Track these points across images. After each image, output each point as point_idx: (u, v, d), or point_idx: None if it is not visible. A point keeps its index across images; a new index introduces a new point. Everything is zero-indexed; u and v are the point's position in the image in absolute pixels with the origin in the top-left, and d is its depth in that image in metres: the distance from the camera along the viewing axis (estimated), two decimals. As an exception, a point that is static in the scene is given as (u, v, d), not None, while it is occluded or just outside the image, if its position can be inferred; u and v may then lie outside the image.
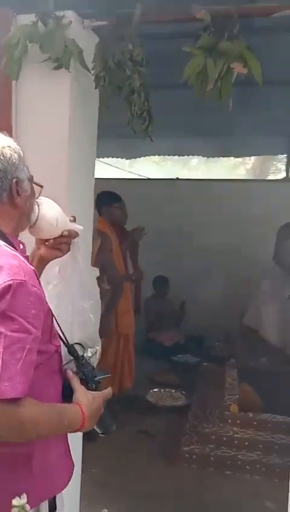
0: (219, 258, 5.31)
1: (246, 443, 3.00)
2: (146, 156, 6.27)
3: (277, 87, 4.13)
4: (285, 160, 8.66)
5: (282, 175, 10.33)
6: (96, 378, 1.30)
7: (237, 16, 1.47)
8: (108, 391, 1.28)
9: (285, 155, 6.26)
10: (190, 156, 7.19)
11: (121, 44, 1.50)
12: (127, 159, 6.63)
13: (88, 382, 1.26)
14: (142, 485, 2.74)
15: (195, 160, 9.80)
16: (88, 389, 1.23)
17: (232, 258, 5.27)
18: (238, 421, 3.12)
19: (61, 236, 1.35)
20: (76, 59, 1.52)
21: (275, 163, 9.50)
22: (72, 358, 1.30)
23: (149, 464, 2.96)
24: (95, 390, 1.25)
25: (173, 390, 3.94)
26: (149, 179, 6.30)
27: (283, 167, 10.15)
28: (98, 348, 1.43)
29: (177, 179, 5.81)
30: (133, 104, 1.51)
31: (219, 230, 5.31)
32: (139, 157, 6.12)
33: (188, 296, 5.37)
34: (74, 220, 1.40)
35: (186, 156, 6.92)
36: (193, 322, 5.29)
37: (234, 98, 4.47)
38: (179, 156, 6.32)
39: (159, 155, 6.29)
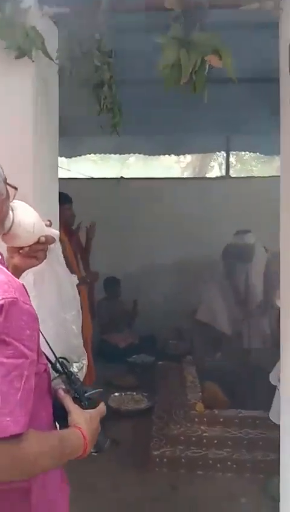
0: (167, 256, 5.31)
1: (215, 441, 2.99)
2: (86, 154, 6.12)
3: (216, 85, 4.22)
4: (224, 157, 8.89)
5: (217, 173, 10.62)
6: (86, 394, 1.19)
7: (207, 6, 1.42)
8: (103, 407, 1.17)
9: (223, 152, 6.39)
10: (129, 155, 7.15)
11: (88, 33, 1.38)
12: (66, 157, 6.44)
13: (81, 400, 1.14)
14: (114, 494, 2.64)
15: (133, 158, 9.76)
16: (82, 408, 1.12)
17: (180, 255, 5.29)
18: (205, 419, 3.11)
19: (38, 243, 1.21)
20: (39, 48, 1.39)
21: (212, 161, 9.72)
22: (57, 375, 1.18)
23: (120, 472, 2.85)
24: (89, 408, 1.14)
25: (134, 393, 3.86)
26: (93, 178, 6.15)
27: (216, 164, 10.44)
28: (84, 361, 1.32)
29: (122, 178, 5.71)
30: (103, 97, 1.40)
31: (166, 228, 5.31)
32: (80, 156, 5.94)
33: (138, 296, 5.31)
34: (50, 225, 1.27)
35: (125, 155, 6.86)
36: (145, 322, 5.24)
37: (172, 96, 4.49)
38: (119, 154, 6.22)
39: (99, 153, 6.14)
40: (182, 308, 5.12)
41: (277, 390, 2.08)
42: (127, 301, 5.36)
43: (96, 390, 1.21)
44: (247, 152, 7.10)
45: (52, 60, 1.46)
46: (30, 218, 1.17)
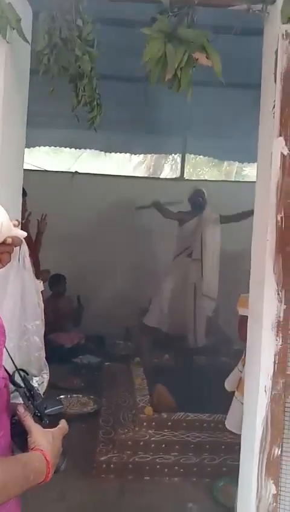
0: (119, 254, 5.25)
1: (163, 445, 2.96)
2: (40, 146, 5.91)
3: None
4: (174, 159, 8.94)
5: (169, 174, 10.69)
6: (47, 411, 1.09)
7: (196, 2, 1.36)
8: (65, 426, 1.08)
9: (179, 154, 6.42)
10: (82, 150, 7.01)
11: (68, 18, 1.28)
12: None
13: (42, 418, 1.05)
14: (60, 503, 2.53)
15: (85, 154, 9.59)
16: (43, 426, 1.02)
17: (132, 254, 5.25)
18: (153, 423, 3.06)
19: (3, 244, 1.07)
20: (13, 27, 1.27)
21: (167, 162, 9.76)
22: (15, 389, 1.08)
23: (65, 479, 2.73)
24: (50, 426, 1.05)
25: (80, 395, 3.74)
26: (46, 170, 5.95)
27: (172, 166, 10.51)
28: (46, 376, 1.22)
29: (76, 172, 5.57)
30: (82, 89, 1.31)
31: (119, 226, 5.24)
32: (34, 147, 5.73)
33: (87, 294, 5.20)
34: (18, 225, 1.15)
35: (79, 149, 6.71)
36: (93, 321, 5.14)
37: (133, 94, 4.41)
38: (75, 148, 6.07)
39: (53, 146, 5.95)
40: (131, 308, 5.09)
41: (234, 398, 2.07)
42: (73, 299, 5.23)
43: (58, 407, 1.12)
44: (200, 155, 7.17)
45: (28, 42, 1.34)
46: None
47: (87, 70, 1.30)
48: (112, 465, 2.84)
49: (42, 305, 1.25)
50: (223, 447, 2.98)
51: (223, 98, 4.27)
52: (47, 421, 1.05)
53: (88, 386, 4.04)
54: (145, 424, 3.06)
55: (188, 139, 5.56)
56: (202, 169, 11.04)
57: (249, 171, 10.98)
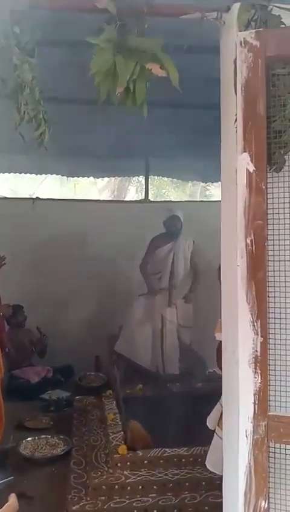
0: (85, 281, 5.07)
1: (140, 487, 2.74)
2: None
3: (135, 108, 4.16)
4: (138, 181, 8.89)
5: (134, 197, 10.64)
6: None
7: (145, 12, 1.25)
8: (14, 503, 0.91)
9: (142, 176, 6.36)
10: (44, 175, 6.86)
11: (4, 25, 1.14)
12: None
13: None
14: None
15: (49, 178, 9.44)
16: None
17: (96, 280, 5.08)
18: (128, 463, 2.85)
19: None
20: None
21: (132, 184, 9.70)
22: None
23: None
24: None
25: (49, 436, 3.47)
26: (6, 197, 5.74)
27: (137, 188, 10.47)
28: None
29: (37, 198, 5.39)
30: (23, 103, 1.16)
31: (84, 251, 5.08)
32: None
33: (51, 325, 4.96)
34: None
35: (41, 175, 6.56)
36: (60, 352, 4.89)
37: (89, 117, 4.32)
38: (36, 174, 5.91)
39: (13, 172, 5.76)
40: (100, 335, 4.88)
41: (215, 436, 1.90)
42: (35, 331, 4.98)
43: (7, 480, 0.94)
44: (163, 177, 7.14)
45: None
46: None
47: (28, 79, 1.15)
48: (85, 515, 2.60)
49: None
50: (203, 483, 2.79)
51: (183, 118, 4.26)
52: None
53: (58, 424, 3.79)
54: (119, 464, 2.84)
55: (150, 161, 5.51)
56: (167, 190, 11.06)
57: (213, 191, 11.08)
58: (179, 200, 8.78)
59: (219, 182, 5.34)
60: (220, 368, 1.91)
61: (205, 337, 4.72)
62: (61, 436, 3.45)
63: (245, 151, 1.24)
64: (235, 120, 1.27)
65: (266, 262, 1.24)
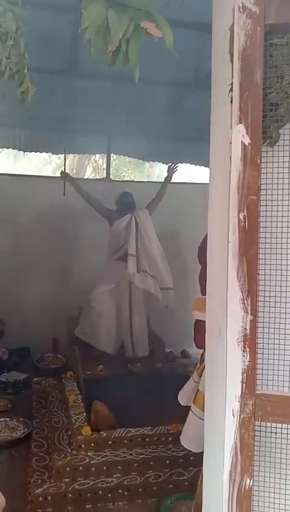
0: (41, 260, 4.92)
1: (105, 467, 2.72)
2: None
3: (102, 82, 4.00)
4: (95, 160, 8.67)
5: (90, 175, 10.41)
6: None
7: None
8: (2, 500, 0.83)
9: (99, 155, 6.21)
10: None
11: None
12: None
13: None
14: None
15: (2, 154, 9.04)
16: None
17: (53, 260, 4.94)
18: (92, 444, 2.81)
19: None
20: None
21: (89, 163, 9.46)
22: None
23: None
24: None
25: (8, 419, 3.37)
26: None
27: (94, 167, 10.24)
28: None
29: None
30: (6, 56, 1.04)
31: (41, 230, 4.91)
32: None
33: (7, 305, 4.79)
34: None
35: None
36: (16, 333, 4.74)
37: (55, 89, 4.11)
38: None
39: None
40: (59, 317, 4.77)
41: (190, 413, 1.89)
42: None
43: None
44: (124, 156, 7.01)
45: None
46: None
47: (12, 29, 1.04)
48: (49, 497, 2.54)
49: None
50: (167, 461, 2.82)
51: (146, 95, 4.15)
52: None
53: (16, 406, 3.69)
54: (83, 445, 2.80)
55: (112, 139, 5.37)
56: (125, 170, 10.92)
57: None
58: (139, 180, 8.69)
59: (179, 164, 5.27)
60: (198, 346, 1.89)
61: (165, 318, 4.76)
62: (21, 419, 3.36)
63: (241, 123, 1.19)
64: (230, 90, 1.21)
65: (258, 239, 1.21)
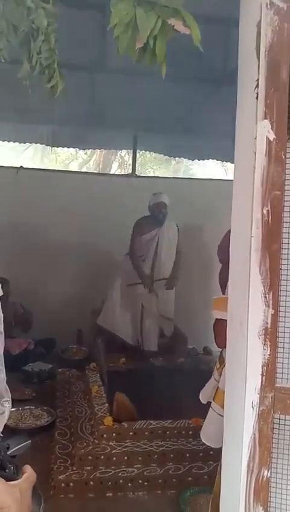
0: (69, 253, 5.00)
1: (126, 457, 2.77)
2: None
3: (129, 77, 4.04)
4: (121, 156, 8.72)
5: (117, 171, 10.48)
6: (10, 452, 0.88)
7: None
8: (31, 474, 0.87)
9: (125, 151, 6.25)
10: (27, 144, 6.67)
11: None
12: None
13: (4, 467, 0.83)
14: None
15: (30, 149, 9.20)
16: (6, 479, 0.80)
17: (80, 253, 5.02)
18: (114, 434, 2.87)
19: None
20: None
21: (115, 159, 9.53)
22: None
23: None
24: (15, 476, 0.83)
25: (33, 407, 3.46)
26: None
27: (120, 163, 10.30)
28: (8, 405, 1.00)
29: (21, 167, 5.23)
30: (36, 52, 1.08)
31: (69, 224, 4.99)
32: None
33: (34, 298, 4.90)
34: None
35: (23, 144, 6.38)
36: (42, 325, 4.85)
37: (82, 85, 4.16)
38: (18, 142, 5.71)
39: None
40: (82, 309, 4.85)
41: (210, 409, 1.91)
42: (23, 302, 4.90)
43: (24, 444, 0.91)
44: (150, 152, 7.04)
45: None
46: None
47: (43, 25, 1.07)
48: (71, 484, 2.61)
49: (1, 315, 1.03)
50: (187, 455, 2.85)
51: (175, 92, 4.16)
52: (13, 469, 0.84)
53: (41, 395, 3.78)
54: (105, 435, 2.86)
55: (138, 135, 5.40)
56: (150, 166, 10.95)
57: (197, 169, 11.03)
58: (165, 176, 8.70)
59: (205, 160, 5.28)
60: (219, 346, 1.91)
61: (189, 314, 4.79)
62: (45, 408, 3.45)
63: (266, 118, 1.20)
64: (256, 86, 1.23)
65: (282, 234, 1.22)
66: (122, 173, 8.08)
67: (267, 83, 1.20)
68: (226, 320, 1.72)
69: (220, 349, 1.97)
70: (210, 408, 1.90)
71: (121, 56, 1.15)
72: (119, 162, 9.79)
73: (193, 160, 6.12)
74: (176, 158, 8.20)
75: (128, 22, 1.09)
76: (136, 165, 6.02)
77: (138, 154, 7.17)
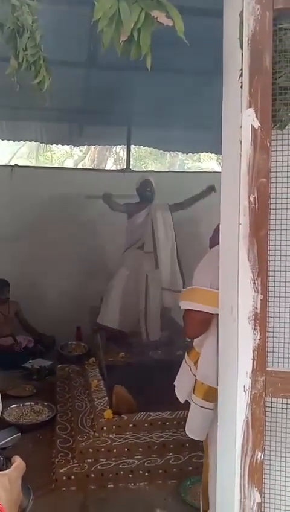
0: (64, 251, 5.03)
1: (126, 449, 2.80)
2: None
3: (123, 72, 4.04)
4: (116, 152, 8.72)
5: (112, 166, 10.48)
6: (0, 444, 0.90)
7: None
8: (20, 463, 0.89)
9: (120, 147, 6.27)
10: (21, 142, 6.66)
11: None
12: None
13: None
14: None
15: (24, 148, 9.19)
16: None
17: (77, 250, 5.04)
18: (114, 427, 2.90)
19: None
20: None
21: (110, 155, 9.53)
22: None
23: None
24: (3, 466, 0.86)
25: (34, 403, 3.49)
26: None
27: (115, 159, 10.31)
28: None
29: (16, 165, 5.24)
30: (22, 48, 1.10)
31: (65, 221, 5.01)
32: None
33: (33, 295, 4.93)
34: None
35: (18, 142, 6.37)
36: (41, 322, 4.88)
37: (75, 82, 4.16)
38: (12, 140, 5.71)
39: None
40: (81, 306, 4.87)
41: (192, 403, 1.93)
42: (21, 301, 4.92)
43: (13, 437, 0.93)
44: (145, 147, 7.04)
45: None
46: None
47: (28, 22, 1.09)
48: (72, 477, 2.64)
49: None
50: (187, 444, 2.87)
51: (166, 84, 4.15)
52: (1, 458, 0.86)
53: (41, 392, 3.82)
54: (105, 428, 2.89)
55: (132, 130, 5.40)
56: (145, 161, 10.96)
57: (192, 163, 11.04)
58: (159, 170, 8.71)
59: (200, 153, 5.27)
60: (189, 336, 1.95)
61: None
62: (46, 403, 3.48)
63: (250, 107, 1.22)
64: (240, 75, 1.24)
65: (269, 220, 1.24)
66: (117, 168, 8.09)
67: (250, 72, 1.22)
68: (196, 312, 1.78)
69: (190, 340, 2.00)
70: (191, 402, 1.92)
71: (112, 50, 1.17)
72: (115, 158, 9.81)
73: (186, 153, 6.13)
74: (171, 152, 8.23)
75: (112, 15, 1.11)
76: (131, 161, 6.03)
77: (132, 150, 7.19)
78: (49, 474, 2.70)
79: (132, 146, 6.08)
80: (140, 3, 1.15)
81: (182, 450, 2.85)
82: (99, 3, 1.11)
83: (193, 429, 1.97)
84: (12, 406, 3.40)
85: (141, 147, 6.30)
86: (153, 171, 7.49)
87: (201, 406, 1.87)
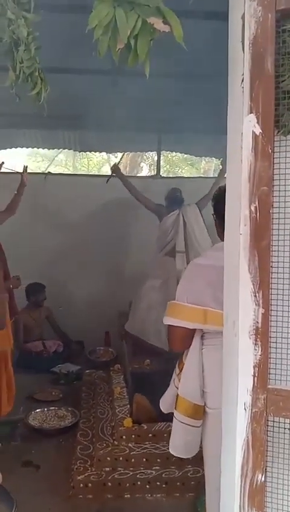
0: (97, 256, 5.07)
1: (144, 459, 2.76)
2: (15, 148, 5.66)
3: (152, 80, 4.03)
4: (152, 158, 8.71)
5: (147, 173, 10.50)
6: None
7: None
8: None
9: (154, 152, 6.25)
10: (57, 150, 6.80)
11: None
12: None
13: None
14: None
15: (61, 155, 9.37)
16: None
17: (108, 255, 5.07)
18: (133, 436, 2.86)
19: None
20: None
21: (144, 160, 9.55)
22: None
23: (39, 501, 2.51)
24: None
25: (58, 408, 3.52)
26: (18, 172, 5.72)
27: (150, 164, 10.31)
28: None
29: (49, 173, 5.35)
30: (19, 60, 1.10)
31: (97, 228, 5.06)
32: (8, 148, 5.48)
33: (62, 300, 5.00)
34: None
35: (54, 150, 6.50)
36: (71, 327, 4.94)
37: (98, 89, 4.18)
38: (48, 149, 5.85)
39: (26, 147, 5.69)
40: (110, 313, 4.89)
41: (174, 420, 1.87)
42: (52, 307, 5.00)
43: None
44: (176, 153, 7.01)
45: None
46: None
47: (23, 35, 1.09)
48: (89, 484, 2.63)
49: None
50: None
51: (197, 90, 4.12)
52: None
53: (67, 396, 3.84)
54: (124, 437, 2.86)
55: (163, 136, 5.40)
56: (180, 167, 10.90)
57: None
58: (190, 176, 8.65)
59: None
60: (174, 350, 1.90)
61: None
62: (69, 409, 3.49)
63: (251, 112, 1.17)
64: (242, 80, 1.20)
65: (271, 230, 1.19)
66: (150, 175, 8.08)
67: (251, 76, 1.17)
68: (176, 327, 1.73)
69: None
70: (174, 419, 1.86)
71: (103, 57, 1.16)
72: (150, 164, 9.82)
73: (219, 159, 6.04)
74: (206, 158, 8.15)
75: (107, 23, 1.10)
76: (165, 167, 6.02)
77: (168, 156, 7.17)
78: (68, 480, 2.69)
79: (164, 152, 6.07)
80: (137, 10, 1.13)
81: (201, 463, 2.74)
82: (95, 11, 1.10)
83: (175, 446, 1.91)
84: (37, 410, 3.44)
85: (173, 152, 6.27)
86: (183, 176, 7.46)
87: (182, 422, 1.81)
